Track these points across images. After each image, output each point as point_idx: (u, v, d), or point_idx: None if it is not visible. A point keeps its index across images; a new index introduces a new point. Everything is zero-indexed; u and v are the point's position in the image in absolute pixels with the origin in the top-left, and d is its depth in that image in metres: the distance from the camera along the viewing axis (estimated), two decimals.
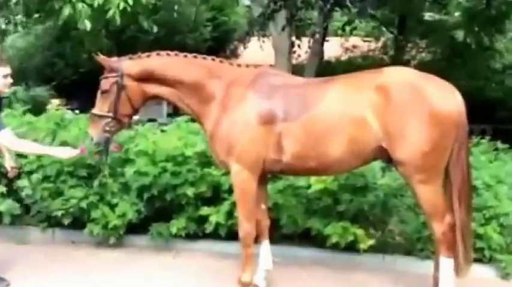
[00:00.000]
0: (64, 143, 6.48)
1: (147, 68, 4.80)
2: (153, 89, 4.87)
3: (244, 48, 15.98)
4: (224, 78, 4.82)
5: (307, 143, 4.52)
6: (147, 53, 4.89)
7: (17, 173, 5.72)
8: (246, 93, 4.68)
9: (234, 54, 24.45)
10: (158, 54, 4.87)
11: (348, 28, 14.15)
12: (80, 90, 22.44)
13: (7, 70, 5.08)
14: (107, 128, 4.82)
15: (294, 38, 14.37)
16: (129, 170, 6.30)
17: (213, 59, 4.93)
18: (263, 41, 15.40)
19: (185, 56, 4.89)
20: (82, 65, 21.96)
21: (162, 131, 7.15)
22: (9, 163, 5.52)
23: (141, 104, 4.97)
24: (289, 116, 4.56)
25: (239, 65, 4.96)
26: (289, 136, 4.56)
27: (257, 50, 15.87)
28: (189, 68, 4.82)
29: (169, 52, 4.90)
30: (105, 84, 4.81)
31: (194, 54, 4.94)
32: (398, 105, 4.33)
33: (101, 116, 4.83)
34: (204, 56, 4.96)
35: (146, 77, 4.82)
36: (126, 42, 19.38)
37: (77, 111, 8.53)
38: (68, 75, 22.05)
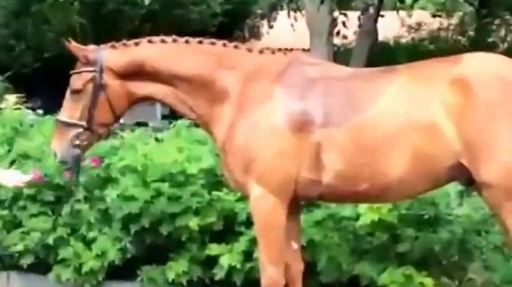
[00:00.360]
0: (24, 156, 6.55)
1: (135, 59, 4.83)
2: (143, 88, 4.91)
3: (270, 26, 16.05)
4: (240, 69, 4.82)
5: (357, 158, 4.49)
6: (135, 40, 4.92)
7: None
8: (272, 90, 4.67)
9: (254, 35, 24.66)
10: (150, 41, 4.90)
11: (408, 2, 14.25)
12: (45, 83, 22.60)
13: None
14: (77, 142, 4.82)
15: (336, 13, 14.37)
16: (111, 193, 6.34)
17: (225, 44, 4.94)
18: (295, 18, 15.44)
19: (186, 41, 4.91)
20: (47, 48, 22.21)
21: (157, 139, 7.19)
22: None
23: (126, 109, 5.00)
24: (332, 121, 4.53)
25: (261, 52, 4.96)
26: (331, 148, 4.52)
27: (286, 30, 15.96)
28: (192, 58, 4.85)
29: (164, 38, 4.92)
30: (77, 81, 4.84)
31: (199, 38, 4.96)
32: (484, 106, 4.27)
33: (69, 125, 4.84)
34: (213, 40, 4.98)
35: (134, 73, 4.85)
36: (107, 18, 19.62)
37: (41, 112, 8.61)
38: (28, 63, 22.32)
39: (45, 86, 21.37)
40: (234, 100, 4.77)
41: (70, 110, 4.85)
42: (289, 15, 15.47)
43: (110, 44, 4.92)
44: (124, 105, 4.94)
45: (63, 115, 4.89)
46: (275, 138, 4.57)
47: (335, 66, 5.06)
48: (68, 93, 4.90)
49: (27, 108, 9.05)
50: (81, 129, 4.81)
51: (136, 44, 4.89)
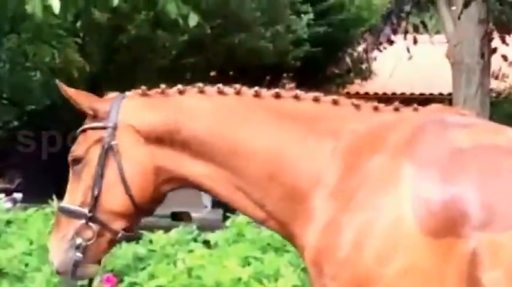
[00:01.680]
0: None
1: (175, 119, 4.80)
2: (179, 165, 4.86)
3: (366, 55, 16.21)
4: (342, 138, 4.79)
5: None
6: (179, 87, 4.87)
7: None
8: (396, 169, 4.63)
9: (359, 73, 24.74)
10: (202, 91, 4.85)
11: None
12: (28, 151, 23.15)
13: None
14: (78, 240, 4.74)
15: (497, 37, 14.39)
16: None
17: (317, 99, 4.87)
18: (414, 39, 15.51)
19: (256, 95, 4.86)
20: (32, 98, 22.70)
21: (206, 243, 7.20)
22: None
23: (152, 196, 4.87)
24: (496, 219, 4.45)
25: (376, 109, 4.91)
26: (495, 261, 4.42)
27: (407, 65, 16.05)
28: (265, 127, 4.82)
29: (222, 87, 4.85)
30: (78, 145, 4.84)
31: (275, 90, 4.91)
32: None
33: (70, 213, 4.83)
34: (297, 92, 4.92)
35: (169, 138, 4.84)
36: (126, 49, 19.97)
37: (19, 197, 8.76)
38: (3, 122, 22.78)
39: (25, 155, 21.90)
40: (332, 184, 4.74)
41: (71, 191, 4.86)
42: (405, 37, 15.49)
43: (138, 90, 4.90)
44: (148, 187, 4.81)
45: (65, 199, 4.88)
46: (403, 247, 4.51)
47: (501, 129, 4.95)
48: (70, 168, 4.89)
49: (3, 191, 9.24)
50: (83, 221, 4.73)
51: (181, 92, 4.85)
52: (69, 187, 4.87)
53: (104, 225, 4.77)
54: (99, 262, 4.87)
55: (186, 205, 14.83)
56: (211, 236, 7.39)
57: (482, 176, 4.57)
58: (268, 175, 4.77)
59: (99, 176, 4.73)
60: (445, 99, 15.40)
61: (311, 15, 23.45)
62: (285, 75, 24.43)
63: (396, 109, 4.88)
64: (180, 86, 4.83)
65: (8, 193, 18.16)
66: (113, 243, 4.92)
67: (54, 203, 7.69)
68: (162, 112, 4.82)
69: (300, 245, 4.82)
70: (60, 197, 6.68)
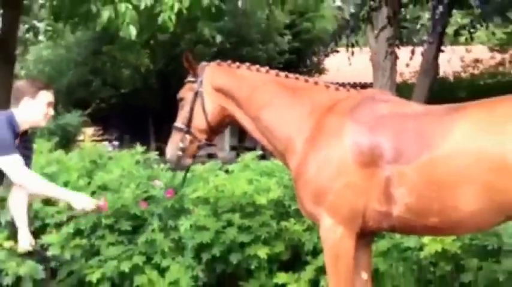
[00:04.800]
0: (103, 188, 6.64)
1: (231, 83, 5.06)
2: (233, 110, 5.10)
3: (323, 57, 16.05)
4: (317, 104, 4.86)
5: (427, 193, 4.39)
6: (237, 63, 5.15)
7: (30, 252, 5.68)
8: (343, 125, 4.65)
9: (319, 71, 24.60)
10: (249, 68, 5.11)
11: (466, 34, 13.98)
12: (120, 117, 22.85)
13: (52, 96, 5.13)
14: (181, 145, 5.08)
15: (398, 50, 14.26)
16: (184, 224, 6.37)
17: (307, 80, 5.04)
18: (352, 53, 15.44)
19: (277, 74, 5.05)
20: (123, 84, 22.41)
21: (226, 171, 7.21)
22: (26, 234, 5.37)
23: (219, 122, 5.17)
24: (402, 157, 4.45)
25: (337, 89, 4.98)
26: (402, 183, 4.45)
27: (347, 65, 15.96)
28: (279, 93, 4.97)
29: (258, 67, 5.11)
30: (182, 91, 5.19)
31: (286, 73, 5.09)
32: None
33: (176, 129, 5.13)
34: (297, 76, 5.09)
35: (228, 93, 5.07)
36: (181, 56, 19.84)
37: (117, 144, 8.72)
38: (106, 98, 22.46)
39: (120, 119, 21.70)
40: (307, 133, 4.79)
41: (178, 117, 5.15)
42: (347, 49, 15.39)
43: (217, 61, 5.23)
44: (217, 116, 5.11)
45: (176, 121, 5.17)
46: (344, 172, 4.54)
47: (406, 103, 4.93)
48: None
49: (104, 140, 9.19)
50: (183, 134, 5.08)
51: (238, 67, 5.12)
52: (178, 114, 5.19)
53: (193, 136, 5.12)
54: (191, 159, 5.22)
55: (215, 148, 14.92)
56: (229, 167, 7.37)
57: (394, 131, 4.62)
58: (276, 125, 4.95)
59: (191, 107, 5.09)
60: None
61: (289, 36, 23.38)
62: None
63: (348, 90, 4.99)
64: (237, 63, 5.19)
65: (109, 141, 18.13)
66: (198, 147, 5.23)
67: (138, 148, 7.69)
68: (225, 78, 5.10)
69: (289, 168, 4.96)
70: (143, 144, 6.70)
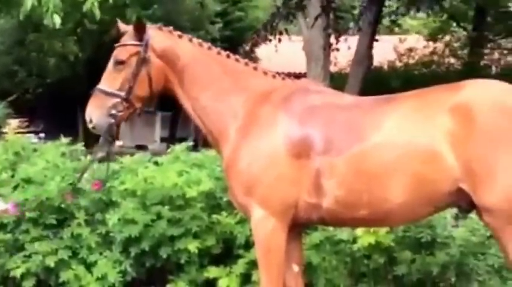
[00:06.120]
0: (27, 181, 6.54)
1: (174, 50, 4.96)
2: (174, 81, 5.00)
3: (255, 46, 16.14)
4: (252, 91, 4.88)
5: (356, 185, 4.47)
6: (178, 32, 5.07)
7: None
8: (275, 115, 4.69)
9: (252, 60, 24.73)
10: (191, 40, 5.04)
11: (398, 21, 14.26)
12: (47, 107, 22.74)
13: None
14: (113, 111, 4.86)
15: (332, 38, 14.39)
16: (112, 217, 6.30)
17: (247, 64, 5.05)
18: (279, 40, 15.52)
19: (218, 53, 5.03)
20: (49, 73, 22.25)
21: (156, 163, 7.15)
22: None
23: (160, 90, 5.04)
24: (332, 149, 4.52)
25: (274, 76, 5.00)
26: (331, 174, 4.51)
27: (282, 54, 16.00)
28: (218, 72, 4.95)
29: (202, 41, 5.07)
30: (121, 53, 4.92)
31: (227, 52, 5.08)
32: (484, 133, 4.25)
33: (108, 94, 4.88)
34: (238, 57, 5.10)
35: (171, 60, 4.95)
36: (108, 46, 19.68)
37: (42, 136, 8.60)
38: (31, 88, 22.30)
39: (47, 110, 21.51)
40: (241, 121, 4.80)
41: (111, 81, 4.91)
42: (274, 37, 15.45)
43: (157, 25, 5.10)
44: (160, 84, 4.98)
45: (103, 84, 4.92)
46: (275, 163, 4.57)
47: (339, 94, 5.01)
48: (110, 65, 4.95)
49: (30, 132, 9.05)
50: (119, 100, 4.86)
51: (180, 36, 5.01)
52: (106, 77, 4.97)
53: (131, 104, 4.94)
54: (117, 132, 5.07)
55: (145, 140, 14.76)
56: (159, 159, 7.33)
57: (326, 123, 4.66)
58: (213, 109, 4.92)
59: (136, 74, 4.88)
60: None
61: (221, 24, 23.44)
62: None
63: (283, 78, 5.00)
64: (179, 32, 5.11)
65: (35, 133, 17.88)
66: (129, 117, 5.11)
67: (62, 140, 7.59)
68: (169, 43, 4.99)
69: (221, 156, 4.96)
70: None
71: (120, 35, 5.07)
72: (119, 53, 4.92)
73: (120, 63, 4.88)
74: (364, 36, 12.34)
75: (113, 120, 4.87)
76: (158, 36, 4.95)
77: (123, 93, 4.86)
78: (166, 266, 6.39)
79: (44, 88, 22.26)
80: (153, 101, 5.22)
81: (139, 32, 4.89)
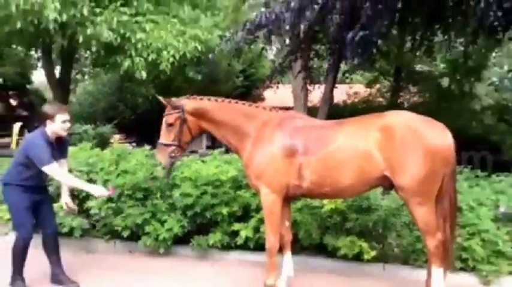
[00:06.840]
0: (125, 172, 6.56)
1: (200, 107, 4.84)
2: (205, 125, 4.90)
3: (263, 90, 15.92)
4: (259, 120, 4.82)
5: (323, 173, 4.48)
6: (200, 96, 4.92)
7: (74, 212, 5.62)
8: (274, 133, 4.68)
9: (259, 99, 24.59)
10: (209, 99, 4.90)
11: (349, 76, 14.26)
12: (137, 128, 22.80)
13: (66, 116, 5.05)
14: (172, 154, 4.84)
15: (309, 86, 14.35)
16: (176, 193, 6.29)
17: (250, 105, 4.93)
18: (277, 87, 15.40)
19: (229, 102, 4.90)
20: (138, 107, 22.42)
21: (202, 161, 7.15)
22: (64, 199, 5.45)
23: (198, 134, 4.97)
24: (309, 151, 4.54)
25: (270, 110, 4.93)
26: (308, 167, 4.53)
27: (281, 94, 15.87)
28: (233, 114, 4.84)
29: (218, 98, 4.91)
30: (169, 119, 4.82)
31: (236, 100, 4.96)
32: (399, 142, 4.30)
33: (167, 145, 4.84)
34: (244, 102, 4.98)
35: (200, 115, 4.85)
36: (173, 90, 19.62)
37: (134, 145, 8.59)
38: (127, 116, 22.41)
39: (137, 129, 21.47)
40: (253, 138, 4.76)
41: (167, 136, 4.84)
42: (274, 84, 15.31)
43: (186, 96, 4.93)
44: (197, 131, 4.90)
45: (163, 139, 4.86)
46: (274, 161, 4.58)
47: (313, 119, 4.96)
48: (163, 126, 4.86)
49: (126, 142, 9.02)
50: (174, 147, 4.81)
51: (201, 99, 4.87)
52: (163, 135, 4.86)
53: (181, 148, 4.87)
54: (173, 163, 4.98)
55: (196, 147, 14.80)
56: (204, 159, 7.30)
57: (305, 136, 4.59)
58: (233, 133, 4.80)
59: (181, 129, 4.81)
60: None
61: (242, 78, 23.40)
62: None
63: (277, 111, 4.87)
64: (200, 96, 4.92)
65: (129, 143, 17.83)
66: (182, 153, 4.99)
67: (146, 147, 7.56)
68: (196, 105, 4.84)
69: (242, 158, 4.83)
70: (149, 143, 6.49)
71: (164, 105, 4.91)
72: (168, 119, 4.83)
73: (170, 125, 4.82)
74: (328, 85, 12.23)
75: (173, 161, 4.88)
76: (188, 103, 4.84)
77: (175, 143, 4.83)
78: (209, 222, 6.34)
79: (135, 116, 22.24)
80: (193, 141, 5.03)
81: (177, 104, 4.82)
